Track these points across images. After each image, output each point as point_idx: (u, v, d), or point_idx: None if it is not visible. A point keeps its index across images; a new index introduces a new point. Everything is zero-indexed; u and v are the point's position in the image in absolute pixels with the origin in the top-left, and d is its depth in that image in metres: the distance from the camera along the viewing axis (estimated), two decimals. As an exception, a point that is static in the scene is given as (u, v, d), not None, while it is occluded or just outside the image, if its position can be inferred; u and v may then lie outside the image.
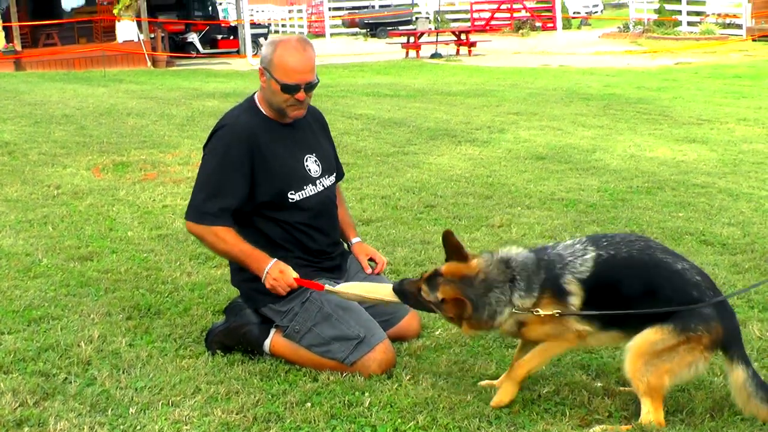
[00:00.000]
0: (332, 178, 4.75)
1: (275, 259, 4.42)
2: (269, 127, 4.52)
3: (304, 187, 4.54)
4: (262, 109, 4.57)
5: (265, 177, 4.44)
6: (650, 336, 3.74)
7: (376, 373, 4.26)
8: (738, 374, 3.76)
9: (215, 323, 4.80)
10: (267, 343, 4.53)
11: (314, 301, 4.42)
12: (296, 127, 4.60)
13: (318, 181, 4.61)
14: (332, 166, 4.78)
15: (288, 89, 4.38)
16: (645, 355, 3.73)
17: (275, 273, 4.37)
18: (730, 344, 3.80)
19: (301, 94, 4.41)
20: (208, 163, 4.49)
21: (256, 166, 4.42)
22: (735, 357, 3.78)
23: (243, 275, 4.58)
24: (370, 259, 4.89)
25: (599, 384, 4.16)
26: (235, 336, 4.58)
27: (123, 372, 4.37)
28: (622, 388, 4.08)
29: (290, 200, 4.49)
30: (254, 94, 4.67)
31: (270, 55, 4.41)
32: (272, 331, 4.55)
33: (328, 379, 4.25)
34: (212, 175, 4.45)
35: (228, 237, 4.42)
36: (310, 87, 4.44)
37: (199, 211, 4.45)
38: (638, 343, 3.76)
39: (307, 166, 4.59)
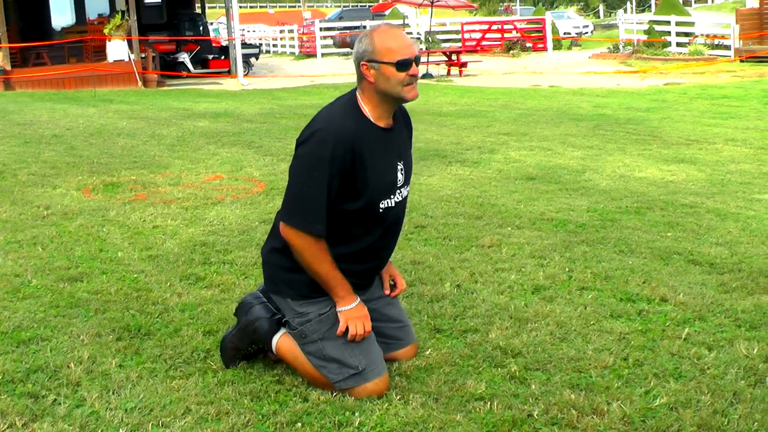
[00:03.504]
0: (408, 189, 4.62)
1: (359, 299, 4.37)
2: (372, 133, 4.33)
3: (391, 196, 4.42)
4: (366, 112, 4.36)
5: (363, 185, 4.26)
6: None
7: (361, 398, 4.27)
8: None
9: (227, 331, 4.80)
10: (275, 339, 4.53)
11: (331, 317, 4.37)
12: (394, 132, 4.48)
13: (399, 191, 4.49)
14: (411, 176, 4.66)
15: (404, 65, 4.22)
16: None
17: (356, 314, 4.33)
18: None
19: (415, 69, 4.29)
20: (310, 166, 4.20)
21: (356, 173, 4.23)
22: None
23: (276, 258, 4.48)
24: (392, 282, 4.85)
25: (588, 403, 4.17)
26: (247, 333, 4.57)
27: (113, 393, 4.36)
28: None
29: (380, 209, 4.37)
30: (352, 95, 4.42)
31: (370, 46, 4.25)
32: (282, 330, 4.54)
33: (319, 399, 4.25)
34: (315, 179, 4.17)
35: (327, 258, 4.27)
36: (417, 60, 4.33)
37: (305, 218, 4.20)
38: None
39: (397, 173, 4.48)
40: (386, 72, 4.24)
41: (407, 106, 4.68)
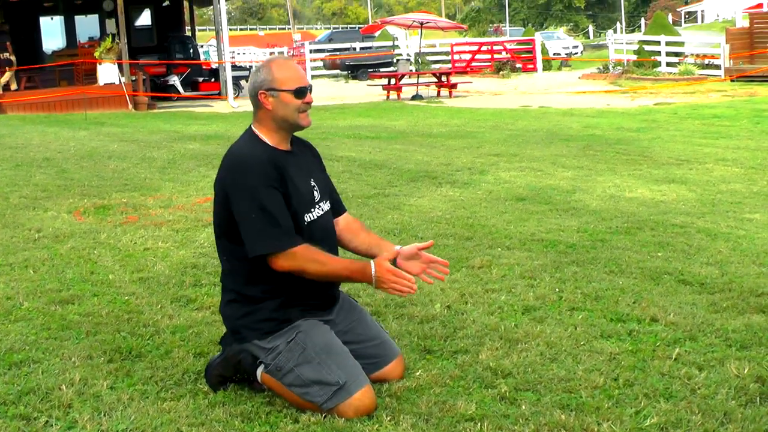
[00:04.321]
0: (328, 204, 4.74)
1: (372, 261, 4.40)
2: (278, 155, 4.50)
3: (312, 210, 4.56)
4: (266, 140, 4.54)
5: (289, 200, 4.41)
6: None
7: (351, 418, 4.27)
8: None
9: (213, 357, 4.82)
10: (260, 370, 4.54)
11: (299, 342, 4.40)
12: (295, 154, 4.64)
13: (318, 205, 4.62)
14: (327, 191, 4.78)
15: (301, 92, 4.49)
16: None
17: (384, 276, 4.34)
18: None
19: (310, 96, 4.56)
20: (251, 196, 4.32)
21: (286, 187, 4.40)
22: None
23: (232, 310, 4.57)
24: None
25: (578, 423, 4.17)
26: (231, 365, 4.59)
27: (104, 415, 4.36)
28: None
29: (304, 222, 4.49)
30: (249, 131, 4.61)
31: (269, 75, 4.49)
32: None
33: (309, 420, 4.25)
34: (262, 202, 4.31)
35: (326, 256, 4.43)
36: (311, 89, 4.60)
37: (280, 237, 4.31)
38: None
39: (312, 190, 4.62)
40: (285, 99, 4.49)
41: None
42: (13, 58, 27.65)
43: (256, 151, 4.47)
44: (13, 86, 27.50)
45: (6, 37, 28.54)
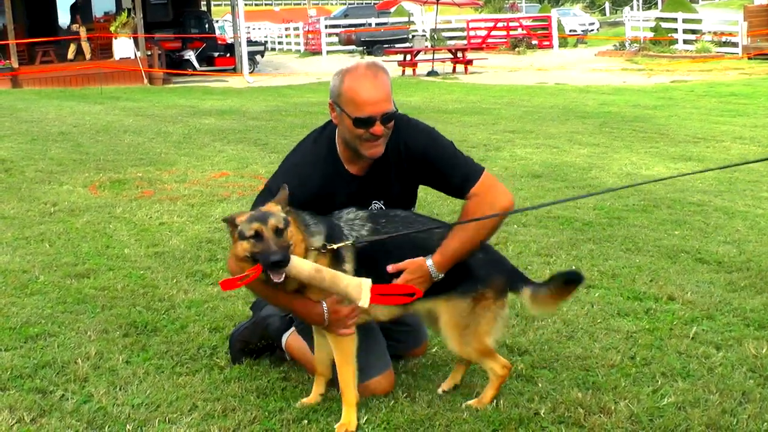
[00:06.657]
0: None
1: (325, 303, 3.97)
2: (341, 179, 4.09)
3: None
4: (339, 152, 4.11)
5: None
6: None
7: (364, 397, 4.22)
8: (525, 291, 4.12)
9: (239, 323, 4.84)
10: (285, 336, 4.54)
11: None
12: (367, 178, 4.17)
13: None
14: (406, 203, 4.45)
15: (361, 123, 3.89)
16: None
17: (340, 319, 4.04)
18: (514, 282, 4.17)
19: (377, 128, 3.92)
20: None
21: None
22: (519, 286, 4.15)
23: None
24: None
25: (595, 401, 4.16)
26: (259, 329, 4.60)
27: (120, 389, 4.37)
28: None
29: None
30: (332, 132, 4.18)
31: (338, 87, 3.95)
32: (292, 328, 4.55)
33: (325, 396, 4.24)
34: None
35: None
36: (387, 118, 3.95)
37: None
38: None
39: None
40: (345, 122, 3.99)
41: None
42: (81, 29, 27.86)
43: (314, 172, 4.05)
44: (88, 55, 27.74)
45: (76, 10, 28.75)
